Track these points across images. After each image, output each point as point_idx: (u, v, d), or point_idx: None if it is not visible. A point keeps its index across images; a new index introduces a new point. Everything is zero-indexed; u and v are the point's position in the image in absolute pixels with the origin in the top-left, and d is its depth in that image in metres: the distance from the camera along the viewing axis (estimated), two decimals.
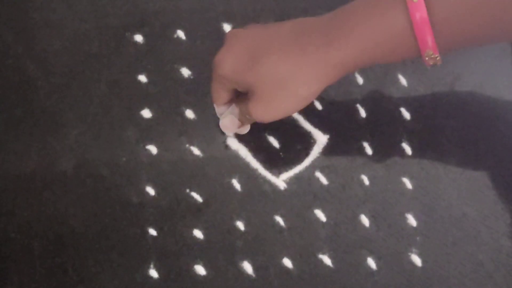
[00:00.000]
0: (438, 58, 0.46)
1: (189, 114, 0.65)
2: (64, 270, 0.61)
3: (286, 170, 0.63)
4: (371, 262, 0.58)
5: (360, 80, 0.65)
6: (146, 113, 0.66)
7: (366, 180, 0.60)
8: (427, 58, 0.46)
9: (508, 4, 0.41)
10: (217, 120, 0.64)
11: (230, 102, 0.57)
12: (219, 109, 0.58)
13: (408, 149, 0.61)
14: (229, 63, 0.51)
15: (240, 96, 0.56)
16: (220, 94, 0.56)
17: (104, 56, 0.68)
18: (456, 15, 0.43)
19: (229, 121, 0.57)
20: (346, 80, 0.65)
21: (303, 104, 0.49)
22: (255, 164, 0.63)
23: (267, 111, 0.50)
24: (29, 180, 0.64)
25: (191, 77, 0.67)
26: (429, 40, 0.44)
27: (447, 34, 0.44)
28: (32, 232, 0.62)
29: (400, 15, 0.44)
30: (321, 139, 0.64)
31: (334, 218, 0.60)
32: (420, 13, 0.43)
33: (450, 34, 0.44)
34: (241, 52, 0.50)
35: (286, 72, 0.47)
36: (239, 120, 0.56)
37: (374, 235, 0.59)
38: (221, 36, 0.67)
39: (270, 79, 0.47)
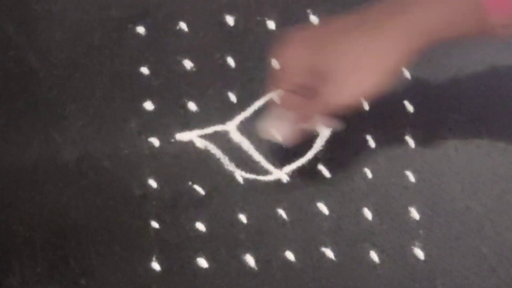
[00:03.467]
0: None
1: (192, 106, 0.65)
2: (66, 263, 0.61)
3: (289, 163, 0.63)
4: (374, 256, 0.58)
5: None
6: (149, 105, 0.65)
7: (369, 173, 0.60)
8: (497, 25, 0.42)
9: None
10: (219, 113, 0.64)
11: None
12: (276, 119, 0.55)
13: (411, 142, 0.61)
14: (300, 53, 0.48)
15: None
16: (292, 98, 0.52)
17: (107, 48, 0.67)
18: None
19: (283, 127, 0.54)
20: None
21: (382, 79, 0.46)
22: (257, 156, 0.63)
23: (343, 92, 0.47)
24: (31, 172, 0.64)
25: (194, 69, 0.66)
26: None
27: None
28: (34, 225, 0.62)
29: None
30: (324, 132, 0.63)
31: (337, 211, 0.59)
32: None
33: None
34: (310, 42, 0.48)
35: (361, 49, 0.45)
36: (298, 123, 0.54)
37: (377, 228, 0.59)
38: (223, 28, 0.67)
39: (346, 59, 0.46)
